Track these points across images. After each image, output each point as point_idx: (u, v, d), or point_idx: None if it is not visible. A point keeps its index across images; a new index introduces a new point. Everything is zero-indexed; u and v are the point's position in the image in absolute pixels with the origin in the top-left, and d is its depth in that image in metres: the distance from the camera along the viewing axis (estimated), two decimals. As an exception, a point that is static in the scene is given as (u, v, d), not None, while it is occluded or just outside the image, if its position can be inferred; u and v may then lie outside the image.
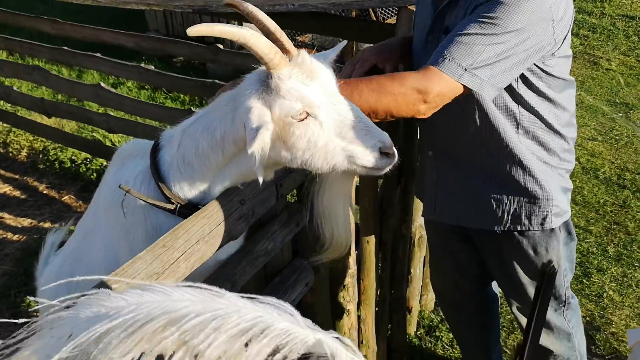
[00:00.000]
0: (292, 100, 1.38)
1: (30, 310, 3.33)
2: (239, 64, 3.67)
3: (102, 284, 1.21)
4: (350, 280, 2.21)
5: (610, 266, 3.49)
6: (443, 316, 3.14)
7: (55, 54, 4.41)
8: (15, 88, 4.83)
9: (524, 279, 2.02)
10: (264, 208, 1.68)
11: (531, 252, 1.95)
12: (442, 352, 3.00)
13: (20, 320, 0.84)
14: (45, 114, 4.70)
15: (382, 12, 6.44)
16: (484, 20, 1.54)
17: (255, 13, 1.39)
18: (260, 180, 1.44)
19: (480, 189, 1.91)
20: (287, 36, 1.44)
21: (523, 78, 1.71)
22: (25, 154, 5.06)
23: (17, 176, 4.77)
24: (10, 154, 5.08)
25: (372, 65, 1.94)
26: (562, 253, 1.98)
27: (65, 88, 4.46)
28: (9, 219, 4.22)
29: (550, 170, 1.88)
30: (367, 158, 1.43)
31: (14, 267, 3.67)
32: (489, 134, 1.80)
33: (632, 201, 4.06)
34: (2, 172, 4.83)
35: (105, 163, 4.63)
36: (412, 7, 2.35)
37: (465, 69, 1.53)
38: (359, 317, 2.44)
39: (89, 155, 4.74)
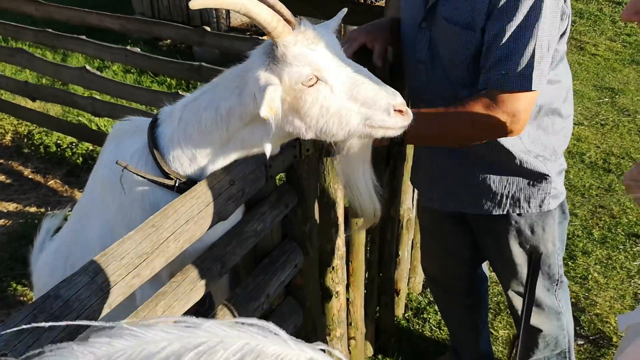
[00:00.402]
0: (300, 66, 1.37)
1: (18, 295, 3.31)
2: (226, 46, 3.64)
3: (93, 263, 1.21)
4: (339, 262, 2.22)
5: (595, 249, 3.53)
6: (432, 298, 3.17)
7: (40, 36, 4.34)
8: (-2, 71, 4.77)
9: (519, 258, 2.03)
10: (253, 189, 1.67)
11: (528, 231, 1.96)
12: (429, 333, 3.03)
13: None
14: (30, 98, 4.64)
15: (370, -4, 6.41)
16: (515, 21, 1.56)
17: None
18: (268, 153, 1.45)
19: (479, 175, 1.91)
20: None
21: None
22: (10, 138, 5.00)
23: (1, 161, 4.71)
24: (-6, 138, 5.02)
25: (361, 45, 1.94)
26: (557, 232, 2.01)
27: (49, 71, 4.40)
28: (-6, 203, 4.18)
29: (549, 152, 1.88)
30: (381, 117, 1.42)
31: (0, 251, 3.64)
32: None
33: (617, 185, 4.10)
34: (-14, 157, 4.77)
35: (91, 147, 4.59)
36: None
37: (531, 76, 1.58)
38: (347, 299, 2.45)
39: (74, 139, 4.69)
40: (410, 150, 2.67)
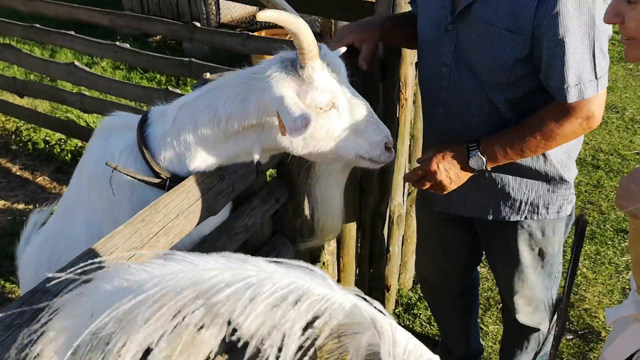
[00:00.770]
0: (324, 92, 1.45)
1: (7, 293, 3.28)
2: (216, 42, 3.62)
3: (82, 258, 1.20)
4: (329, 257, 2.22)
5: (584, 244, 3.55)
6: (424, 298, 3.17)
7: (28, 32, 4.31)
8: (-15, 67, 4.73)
9: (527, 260, 2.03)
10: (243, 184, 1.67)
11: (539, 234, 1.97)
12: (420, 329, 3.04)
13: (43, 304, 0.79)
14: (18, 94, 4.60)
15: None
16: (574, 29, 1.55)
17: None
18: (256, 160, 1.51)
19: (498, 181, 1.89)
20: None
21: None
22: (-3, 135, 4.96)
23: (-11, 157, 4.67)
24: (-18, 135, 4.97)
25: (349, 45, 1.91)
26: (564, 234, 2.02)
27: (38, 67, 4.36)
28: (-18, 200, 4.14)
29: (567, 157, 1.88)
30: (374, 152, 1.54)
31: (-12, 248, 3.60)
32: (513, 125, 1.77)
33: (606, 181, 4.13)
34: (-27, 153, 4.73)
35: (80, 144, 4.56)
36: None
37: (597, 79, 1.60)
38: (338, 294, 2.45)
39: (63, 136, 4.66)
40: (402, 146, 2.68)
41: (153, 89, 4.08)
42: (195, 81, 2.29)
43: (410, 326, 3.05)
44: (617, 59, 6.23)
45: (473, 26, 1.69)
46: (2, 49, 4.43)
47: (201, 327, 0.72)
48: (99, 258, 1.23)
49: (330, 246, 2.20)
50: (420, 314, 3.11)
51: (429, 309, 3.11)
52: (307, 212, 1.99)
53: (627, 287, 3.27)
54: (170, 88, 3.77)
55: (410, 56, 2.53)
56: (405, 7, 2.34)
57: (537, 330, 2.27)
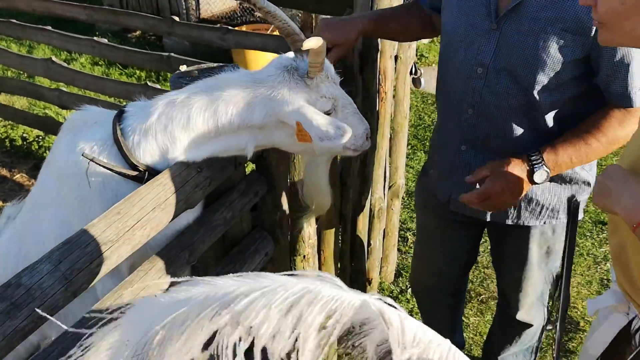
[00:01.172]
0: (329, 99, 1.58)
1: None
2: (195, 36, 3.59)
3: (56, 251, 1.18)
4: (310, 251, 2.21)
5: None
6: (415, 297, 3.19)
7: (3, 27, 4.23)
8: (-40, 63, 4.64)
9: (535, 259, 2.03)
10: (221, 177, 1.66)
11: (550, 233, 1.97)
12: (401, 322, 3.05)
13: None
14: (-6, 90, 4.53)
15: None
16: None
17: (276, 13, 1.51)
18: (249, 156, 1.61)
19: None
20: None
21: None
22: (-26, 132, 4.88)
23: (-35, 155, 4.60)
24: (-42, 132, 4.89)
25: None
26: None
27: (14, 63, 4.29)
28: (-42, 198, 4.07)
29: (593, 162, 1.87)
30: (358, 142, 1.67)
31: (-36, 247, 3.55)
32: (561, 131, 1.73)
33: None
34: (-51, 151, 4.65)
35: (58, 140, 4.50)
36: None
37: None
38: (319, 288, 2.45)
39: (41, 133, 4.60)
40: (382, 139, 2.68)
41: (132, 84, 4.03)
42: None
43: (392, 319, 3.06)
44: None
45: (523, 26, 1.61)
46: (-22, 45, 4.36)
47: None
48: (75, 253, 1.22)
49: (311, 239, 2.19)
50: (401, 306, 3.11)
51: (410, 302, 3.13)
52: (283, 208, 1.99)
53: (605, 277, 3.31)
54: (149, 83, 3.73)
55: (389, 49, 2.53)
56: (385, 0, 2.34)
57: (531, 325, 2.29)
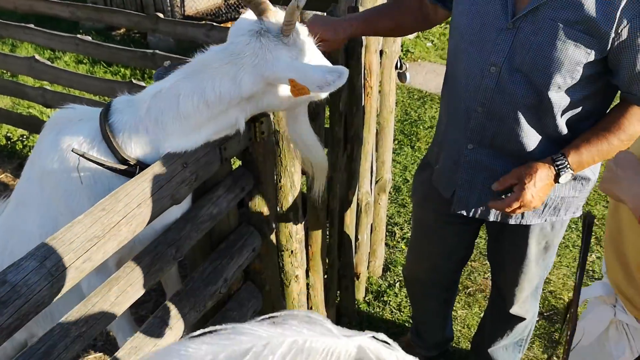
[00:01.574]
0: (307, 52, 1.57)
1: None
2: (179, 33, 3.58)
3: (41, 248, 1.18)
4: (298, 246, 2.21)
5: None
6: (408, 291, 3.20)
7: (-15, 25, 4.19)
8: (-58, 62, 4.57)
9: (533, 255, 2.05)
10: (207, 172, 1.65)
11: (549, 229, 1.99)
12: (390, 316, 3.06)
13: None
14: (-23, 90, 4.47)
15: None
16: None
17: None
18: (242, 129, 1.60)
19: None
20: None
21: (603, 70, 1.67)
22: (-43, 132, 4.83)
23: (-52, 155, 4.55)
24: (-60, 132, 4.83)
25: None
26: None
27: (-4, 61, 4.25)
28: (-59, 199, 4.02)
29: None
30: (332, 87, 1.57)
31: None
32: (570, 130, 1.74)
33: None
34: None
35: (43, 139, 4.46)
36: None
37: None
38: (307, 283, 2.45)
39: (25, 132, 4.56)
40: (369, 134, 2.69)
41: (117, 82, 4.00)
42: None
43: (380, 313, 3.07)
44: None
45: (541, 27, 1.59)
46: (-41, 44, 4.31)
47: None
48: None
49: (298, 234, 2.20)
50: (390, 300, 3.13)
51: (399, 295, 3.14)
52: (270, 203, 1.99)
53: (589, 269, 3.35)
54: (134, 81, 3.71)
55: (374, 44, 2.54)
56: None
57: (524, 319, 2.31)
